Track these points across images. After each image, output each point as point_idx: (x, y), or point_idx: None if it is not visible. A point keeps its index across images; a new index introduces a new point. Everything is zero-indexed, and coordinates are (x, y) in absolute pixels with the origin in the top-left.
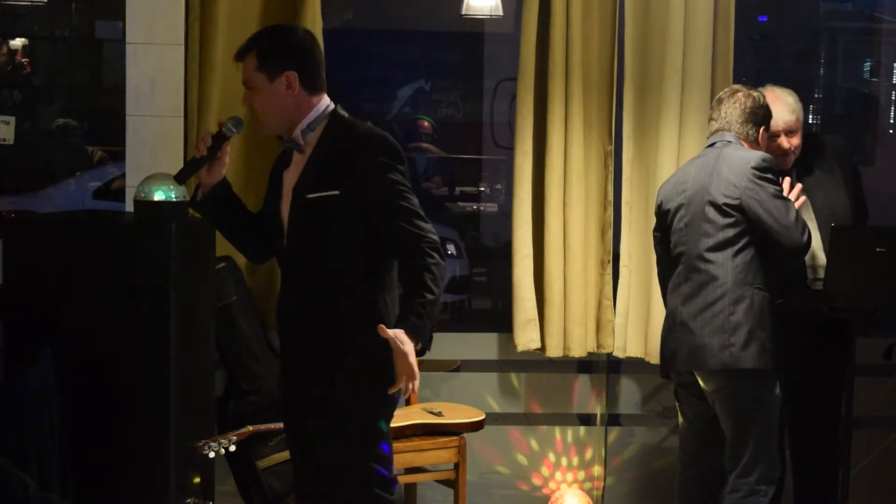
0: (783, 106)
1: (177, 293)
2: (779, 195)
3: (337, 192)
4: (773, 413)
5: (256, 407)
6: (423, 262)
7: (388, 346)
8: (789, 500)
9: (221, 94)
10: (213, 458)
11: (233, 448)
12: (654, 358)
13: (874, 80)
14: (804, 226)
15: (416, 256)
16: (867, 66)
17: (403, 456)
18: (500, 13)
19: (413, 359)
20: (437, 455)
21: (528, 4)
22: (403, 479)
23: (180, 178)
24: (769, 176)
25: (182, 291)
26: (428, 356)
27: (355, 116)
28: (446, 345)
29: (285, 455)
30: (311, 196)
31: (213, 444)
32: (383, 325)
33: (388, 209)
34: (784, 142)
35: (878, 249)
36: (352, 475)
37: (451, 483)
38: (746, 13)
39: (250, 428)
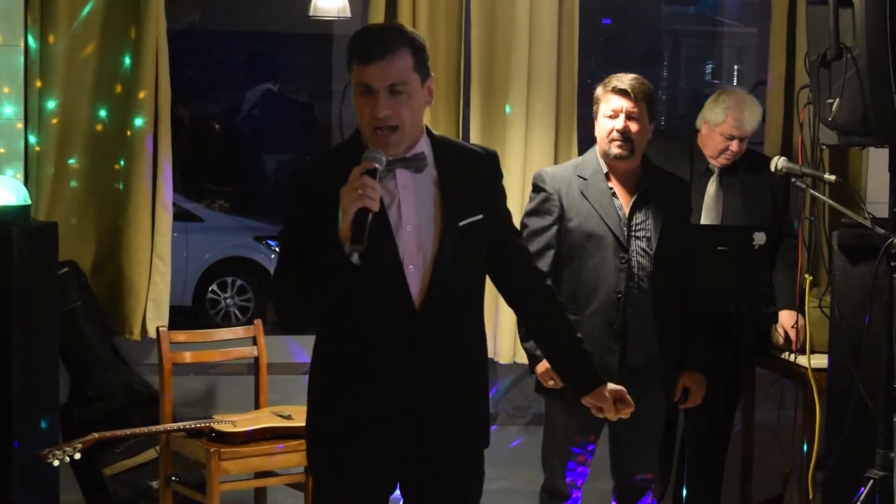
0: (753, 115)
1: (18, 298)
2: None
3: (482, 217)
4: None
5: (103, 414)
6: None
7: None
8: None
9: (63, 97)
10: (58, 467)
11: (78, 456)
12: None
13: (716, 81)
14: None
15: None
16: (709, 68)
17: None
18: (348, 15)
19: None
20: None
21: (374, 6)
22: None
23: (364, 240)
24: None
25: (24, 297)
26: None
27: (205, 116)
28: None
29: (132, 462)
30: (463, 223)
31: (57, 451)
32: None
33: (508, 227)
34: (735, 146)
35: (719, 248)
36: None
37: None
38: (591, 16)
39: (95, 435)
